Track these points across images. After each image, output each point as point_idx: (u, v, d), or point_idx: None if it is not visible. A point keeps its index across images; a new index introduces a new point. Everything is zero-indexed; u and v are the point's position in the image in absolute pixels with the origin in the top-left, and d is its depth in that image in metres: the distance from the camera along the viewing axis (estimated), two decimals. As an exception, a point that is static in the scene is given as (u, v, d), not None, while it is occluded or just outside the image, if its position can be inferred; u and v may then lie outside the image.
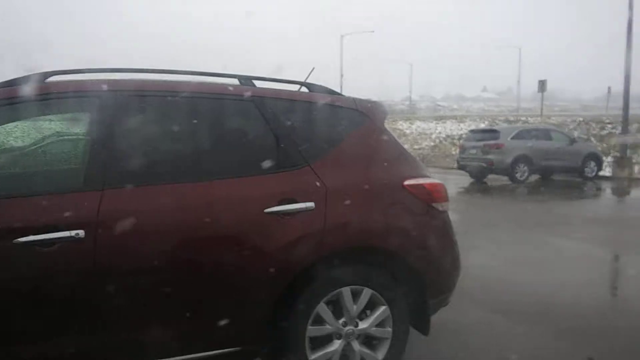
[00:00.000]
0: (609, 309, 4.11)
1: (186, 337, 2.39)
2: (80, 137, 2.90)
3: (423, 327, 2.84)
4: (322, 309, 2.56)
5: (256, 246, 2.47)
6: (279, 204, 2.48)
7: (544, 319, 3.81)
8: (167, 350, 2.35)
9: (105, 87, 2.43)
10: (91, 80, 2.49)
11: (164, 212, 2.37)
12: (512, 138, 14.90)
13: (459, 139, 24.49)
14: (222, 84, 2.72)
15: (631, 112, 18.15)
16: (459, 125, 31.33)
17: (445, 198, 2.90)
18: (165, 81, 2.61)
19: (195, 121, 2.61)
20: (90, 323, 2.26)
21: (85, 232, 2.18)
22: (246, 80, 2.76)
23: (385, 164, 2.82)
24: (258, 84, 2.78)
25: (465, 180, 15.56)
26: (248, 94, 2.66)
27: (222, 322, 2.40)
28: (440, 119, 36.37)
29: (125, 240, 2.25)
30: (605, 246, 6.62)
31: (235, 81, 2.75)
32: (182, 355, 2.37)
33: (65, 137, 3.13)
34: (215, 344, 2.43)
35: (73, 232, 2.16)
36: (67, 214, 2.19)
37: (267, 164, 2.58)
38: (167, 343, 2.35)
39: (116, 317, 2.28)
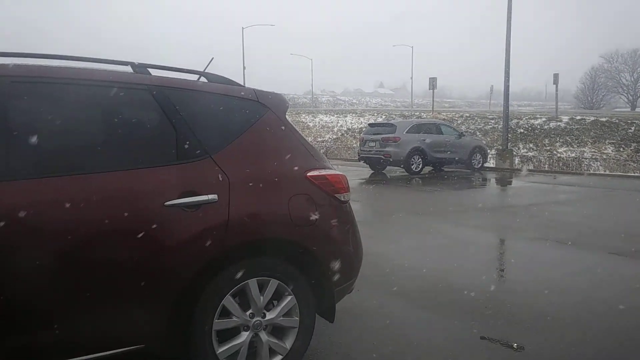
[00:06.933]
0: (497, 289, 4.46)
1: (87, 336, 2.25)
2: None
3: (329, 314, 2.91)
4: (229, 301, 2.52)
5: (157, 240, 2.36)
6: (180, 196, 2.39)
7: (438, 301, 4.07)
8: (69, 350, 2.22)
9: None
10: None
11: (57, 207, 2.19)
12: (407, 132, 15.71)
13: (359, 132, 25.34)
14: (115, 71, 2.55)
15: (510, 108, 19.94)
16: (358, 119, 32.40)
17: (346, 189, 2.98)
18: (49, 67, 2.39)
19: (83, 110, 2.42)
20: None
21: None
22: (140, 68, 2.62)
23: (288, 155, 2.83)
24: (155, 73, 2.65)
25: (366, 171, 16.16)
26: (143, 82, 2.54)
27: (125, 320, 2.31)
28: (342, 112, 37.32)
29: (6, 239, 2.06)
30: (492, 232, 7.21)
31: (129, 69, 2.60)
32: (85, 355, 2.24)
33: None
34: (119, 342, 2.32)
35: None
36: None
37: (165, 155, 2.49)
38: (68, 343, 2.22)
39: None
